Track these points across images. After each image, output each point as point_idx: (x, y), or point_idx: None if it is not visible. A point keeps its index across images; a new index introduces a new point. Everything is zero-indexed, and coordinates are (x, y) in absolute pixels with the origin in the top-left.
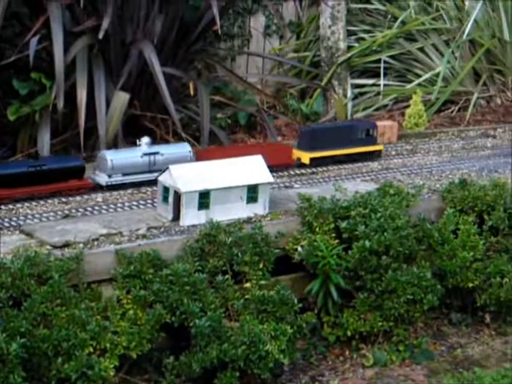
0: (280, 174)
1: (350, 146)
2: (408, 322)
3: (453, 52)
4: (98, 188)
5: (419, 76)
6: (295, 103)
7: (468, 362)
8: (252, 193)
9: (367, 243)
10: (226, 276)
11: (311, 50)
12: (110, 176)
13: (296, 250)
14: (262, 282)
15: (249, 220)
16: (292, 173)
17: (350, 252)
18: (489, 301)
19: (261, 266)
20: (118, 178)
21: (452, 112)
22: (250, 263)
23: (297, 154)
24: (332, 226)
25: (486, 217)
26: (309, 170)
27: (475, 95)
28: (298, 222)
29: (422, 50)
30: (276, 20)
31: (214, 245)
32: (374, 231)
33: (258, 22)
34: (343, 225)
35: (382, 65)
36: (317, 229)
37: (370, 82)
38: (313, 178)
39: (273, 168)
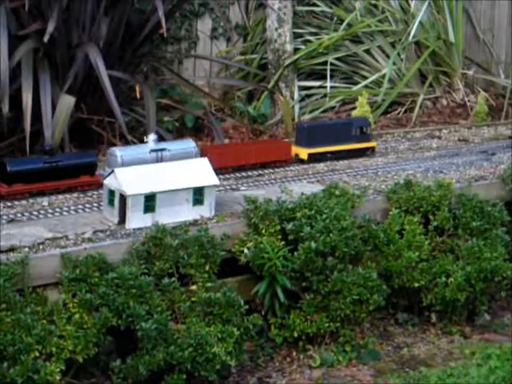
0: (226, 176)
1: (345, 143)
2: (354, 322)
3: (399, 54)
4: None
5: (366, 78)
6: (242, 106)
7: (414, 361)
8: (198, 195)
9: (313, 244)
10: (173, 279)
11: (258, 52)
12: None
13: (242, 252)
14: (209, 285)
15: (195, 222)
16: (238, 175)
17: (295, 253)
18: (435, 300)
19: (207, 268)
20: None
21: (398, 113)
22: (196, 266)
23: (295, 150)
24: (278, 227)
25: (431, 217)
26: (255, 172)
27: (421, 96)
28: (244, 224)
29: (368, 51)
30: (223, 23)
31: (160, 248)
32: (320, 232)
33: (204, 25)
34: (289, 226)
35: (328, 67)
36: (263, 231)
37: (317, 84)
38: (259, 180)
39: (273, 163)
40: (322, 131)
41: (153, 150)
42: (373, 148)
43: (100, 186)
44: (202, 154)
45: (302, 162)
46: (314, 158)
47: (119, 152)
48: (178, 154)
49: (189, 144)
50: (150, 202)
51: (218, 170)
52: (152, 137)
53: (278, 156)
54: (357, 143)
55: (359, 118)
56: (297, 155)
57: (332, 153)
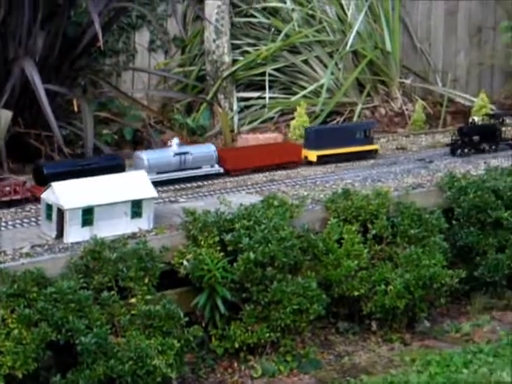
0: (165, 188)
1: (350, 145)
2: (295, 332)
3: (336, 64)
4: None
5: (304, 88)
6: (181, 118)
7: (355, 369)
8: (136, 208)
9: (252, 255)
10: (112, 292)
11: (197, 64)
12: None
13: (182, 264)
14: (148, 297)
15: (133, 235)
16: (177, 187)
17: (235, 264)
18: (374, 308)
19: (146, 281)
20: (153, 176)
21: (337, 123)
22: (135, 278)
23: (304, 152)
24: (217, 239)
25: (369, 225)
26: (194, 184)
27: (359, 106)
28: (183, 236)
29: (306, 62)
30: (160, 35)
31: (99, 261)
32: (259, 243)
33: (142, 38)
34: (228, 237)
35: (267, 77)
36: (202, 242)
37: (256, 94)
38: (198, 192)
39: (284, 165)
40: (329, 134)
41: (176, 154)
42: (376, 150)
43: None
44: (219, 157)
45: (310, 163)
46: (322, 160)
47: (145, 155)
48: (199, 157)
49: (209, 148)
50: (87, 216)
51: (234, 172)
52: (175, 141)
53: (290, 158)
54: (361, 146)
55: (363, 122)
56: (306, 157)
57: (339, 155)
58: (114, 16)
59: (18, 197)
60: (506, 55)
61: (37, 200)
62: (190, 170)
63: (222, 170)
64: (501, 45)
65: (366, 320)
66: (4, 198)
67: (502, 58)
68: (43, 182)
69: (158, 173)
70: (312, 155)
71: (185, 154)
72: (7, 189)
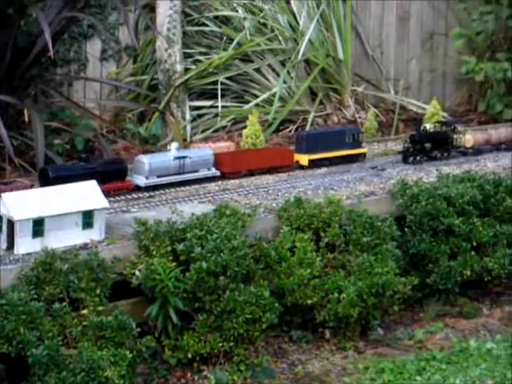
0: (117, 198)
1: (340, 149)
2: (248, 341)
3: (288, 72)
4: (136, 189)
5: (256, 96)
6: (133, 127)
7: (309, 378)
8: (87, 218)
9: (204, 264)
10: (63, 303)
11: (149, 73)
12: (147, 178)
13: (134, 274)
14: (100, 308)
15: (85, 246)
16: (129, 197)
17: (187, 274)
18: (328, 317)
19: (98, 291)
20: (154, 180)
21: (290, 131)
22: (86, 289)
23: (295, 157)
24: (169, 248)
25: (322, 234)
26: (146, 194)
27: (312, 114)
28: (135, 246)
29: (258, 70)
30: (112, 44)
31: (50, 272)
32: (211, 252)
33: (94, 47)
34: (180, 247)
35: (219, 86)
36: (154, 252)
37: (208, 103)
38: (150, 202)
39: (277, 169)
40: (319, 139)
41: (176, 158)
42: (364, 154)
43: (131, 190)
44: (216, 160)
45: (302, 168)
46: (313, 164)
47: (147, 159)
48: (197, 160)
49: (207, 152)
50: (38, 227)
51: (230, 175)
52: (174, 145)
53: (283, 162)
54: (350, 149)
55: (351, 127)
56: (297, 162)
57: (329, 159)
58: (65, 25)
59: None
60: (458, 62)
61: None
62: (189, 174)
63: (218, 173)
64: (452, 51)
65: (319, 328)
66: None
67: (453, 65)
68: (49, 185)
69: (159, 176)
70: (303, 159)
71: (184, 157)
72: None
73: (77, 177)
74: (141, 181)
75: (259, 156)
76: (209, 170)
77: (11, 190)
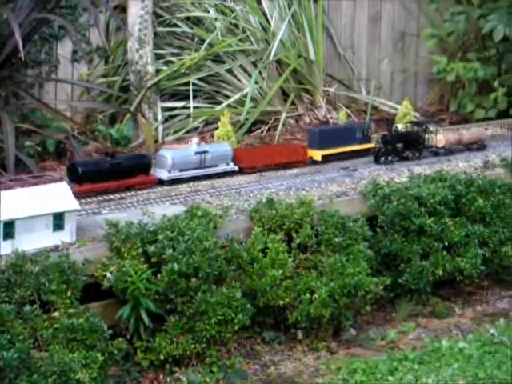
0: (88, 200)
1: (351, 144)
2: (220, 342)
3: (260, 73)
4: (159, 183)
5: (228, 97)
6: (104, 128)
7: (281, 379)
8: (58, 220)
9: (176, 266)
10: (34, 306)
11: (120, 74)
12: (169, 172)
13: (105, 276)
14: (71, 311)
15: (56, 248)
16: (100, 199)
17: (159, 276)
18: (300, 317)
19: (69, 294)
20: (176, 174)
21: (262, 132)
22: (57, 292)
23: (309, 153)
24: (140, 250)
25: (294, 234)
26: (117, 196)
27: (284, 114)
28: (106, 248)
29: (230, 71)
30: (83, 45)
31: (21, 275)
32: (182, 254)
33: (65, 48)
34: (151, 249)
35: (191, 87)
36: (125, 254)
37: (180, 104)
38: (121, 203)
39: (291, 165)
40: (331, 134)
41: (197, 152)
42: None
43: (154, 184)
44: (234, 156)
45: (315, 163)
46: (326, 159)
47: (169, 154)
48: (217, 155)
49: (226, 147)
50: (9, 229)
51: (247, 170)
52: (195, 140)
53: (297, 157)
54: (361, 144)
55: (361, 122)
56: (310, 157)
57: (341, 154)
58: (36, 27)
59: None
60: (430, 62)
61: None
62: (208, 168)
63: (236, 168)
64: (424, 51)
65: (291, 329)
66: None
67: (425, 65)
68: (77, 179)
69: (181, 170)
70: (317, 155)
71: (204, 152)
72: None
73: (104, 171)
74: (164, 175)
75: (275, 152)
76: (227, 164)
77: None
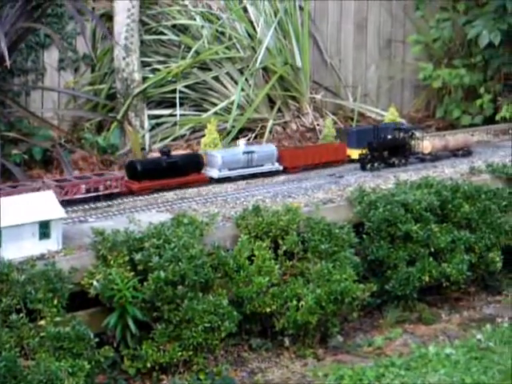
0: (74, 208)
1: None
2: (207, 350)
3: (247, 80)
4: (210, 181)
5: (215, 105)
6: (91, 137)
7: None
8: (44, 229)
9: (162, 274)
10: (21, 314)
11: (106, 82)
12: (220, 170)
13: (92, 284)
14: (57, 319)
15: (42, 257)
16: (87, 207)
17: (145, 284)
18: (287, 324)
19: (55, 302)
20: (225, 172)
21: (249, 139)
22: (43, 300)
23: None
24: (127, 258)
25: (280, 241)
26: (104, 204)
27: (270, 122)
28: (93, 256)
29: (216, 79)
30: (69, 54)
31: (7, 283)
32: (169, 261)
33: (51, 56)
34: (138, 257)
35: (177, 95)
36: (111, 262)
37: (167, 112)
38: (107, 211)
39: (331, 163)
40: (366, 134)
41: (245, 152)
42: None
43: (206, 182)
44: (279, 156)
45: (352, 161)
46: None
47: (219, 154)
48: (263, 155)
49: (271, 147)
50: None
51: (291, 169)
52: (242, 141)
53: (337, 157)
54: None
55: (397, 123)
56: (348, 156)
57: None
58: (22, 35)
59: (117, 190)
60: (416, 69)
61: (131, 193)
62: (255, 167)
63: (281, 168)
64: (410, 58)
65: (278, 336)
66: (105, 191)
67: (411, 72)
68: (136, 176)
69: (230, 169)
70: (355, 153)
71: (251, 152)
72: (108, 183)
73: (161, 169)
74: (214, 173)
75: (317, 151)
76: (272, 164)
77: (105, 181)
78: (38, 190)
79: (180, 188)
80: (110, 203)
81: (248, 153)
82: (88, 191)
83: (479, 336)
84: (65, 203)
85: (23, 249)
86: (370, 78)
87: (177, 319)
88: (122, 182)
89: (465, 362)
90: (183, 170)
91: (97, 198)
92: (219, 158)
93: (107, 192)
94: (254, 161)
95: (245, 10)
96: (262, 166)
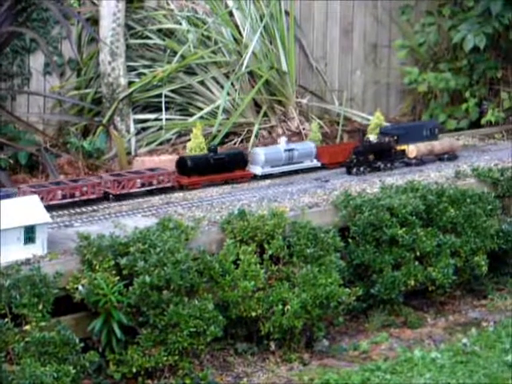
0: (60, 212)
1: (419, 141)
2: (193, 354)
3: (233, 84)
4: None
5: (201, 109)
6: (76, 141)
7: None
8: (29, 233)
9: (147, 278)
10: (6, 319)
11: (92, 86)
12: (262, 167)
13: (77, 289)
14: (43, 324)
15: (27, 261)
16: (72, 211)
17: (131, 288)
18: (272, 329)
19: (40, 307)
20: (268, 169)
21: (235, 144)
22: (28, 305)
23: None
24: (112, 263)
25: (266, 246)
26: (89, 208)
27: (256, 126)
28: (78, 260)
29: (202, 83)
30: (55, 58)
31: None
32: (154, 266)
33: (37, 61)
34: (123, 261)
35: (163, 99)
36: (97, 266)
37: (153, 116)
38: (93, 216)
39: None
40: (404, 131)
41: (286, 150)
42: None
43: (250, 178)
44: (317, 153)
45: None
46: None
47: (262, 151)
48: (303, 152)
49: (310, 145)
50: None
51: (329, 165)
52: (283, 139)
53: None
54: (428, 141)
55: (429, 121)
56: None
57: None
58: (7, 39)
59: (169, 184)
60: (402, 73)
61: (181, 188)
62: (296, 164)
63: (319, 164)
64: (396, 63)
65: (264, 340)
66: (158, 186)
67: (397, 76)
68: (186, 172)
69: (272, 166)
70: None
71: (292, 150)
72: (161, 177)
73: (209, 165)
74: (258, 170)
75: (352, 148)
76: (311, 161)
77: (158, 176)
78: (99, 184)
79: (226, 183)
80: (95, 208)
81: (289, 150)
82: (143, 185)
83: (465, 340)
84: (121, 196)
85: (8, 253)
86: (355, 82)
87: (162, 324)
88: (173, 176)
89: (450, 365)
90: (229, 166)
91: (150, 192)
92: (262, 156)
93: (160, 186)
94: (295, 158)
95: (231, 14)
96: (301, 162)
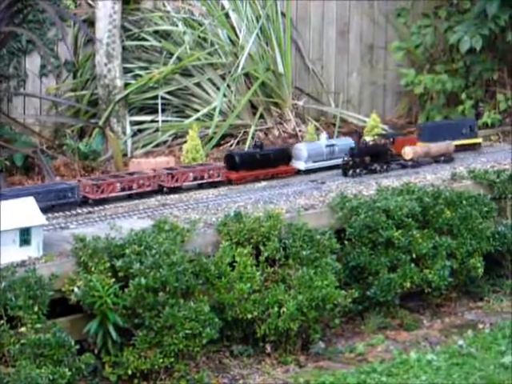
0: (56, 214)
1: (458, 139)
2: (188, 356)
3: (229, 86)
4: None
5: (197, 111)
6: (72, 143)
7: None
8: (25, 235)
9: (143, 280)
10: (1, 321)
11: (88, 88)
12: (305, 162)
13: (72, 291)
14: (38, 326)
15: (23, 263)
16: (68, 213)
17: (126, 290)
18: (268, 331)
19: (36, 309)
20: (310, 164)
21: (231, 145)
22: (24, 307)
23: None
24: (107, 264)
25: (262, 248)
26: (85, 210)
27: (252, 128)
28: (74, 262)
29: (198, 85)
30: (51, 60)
31: None
32: (150, 268)
33: (33, 62)
34: (118, 263)
35: (159, 101)
36: (92, 268)
37: (149, 118)
38: (89, 218)
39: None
40: (439, 129)
41: (327, 145)
42: (479, 143)
43: (293, 173)
44: None
45: None
46: None
47: (304, 147)
48: (342, 148)
49: (349, 141)
50: None
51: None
52: (324, 135)
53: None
54: (467, 139)
55: (468, 119)
56: None
57: None
58: (3, 41)
59: (219, 179)
60: (398, 75)
61: (230, 183)
62: (335, 160)
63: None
64: (392, 64)
65: (260, 342)
66: (209, 180)
67: (393, 78)
68: (235, 167)
69: (314, 161)
70: None
71: (333, 145)
72: (211, 172)
73: (256, 161)
74: (301, 165)
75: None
76: None
77: (209, 171)
78: (154, 177)
79: (272, 178)
80: (91, 210)
81: (330, 146)
82: (195, 179)
83: (461, 342)
84: (175, 190)
85: (4, 255)
86: (352, 84)
87: (158, 326)
88: (223, 171)
89: (446, 367)
90: (274, 162)
91: (200, 186)
92: (305, 152)
93: (210, 180)
94: (335, 153)
95: (227, 16)
96: (341, 158)
